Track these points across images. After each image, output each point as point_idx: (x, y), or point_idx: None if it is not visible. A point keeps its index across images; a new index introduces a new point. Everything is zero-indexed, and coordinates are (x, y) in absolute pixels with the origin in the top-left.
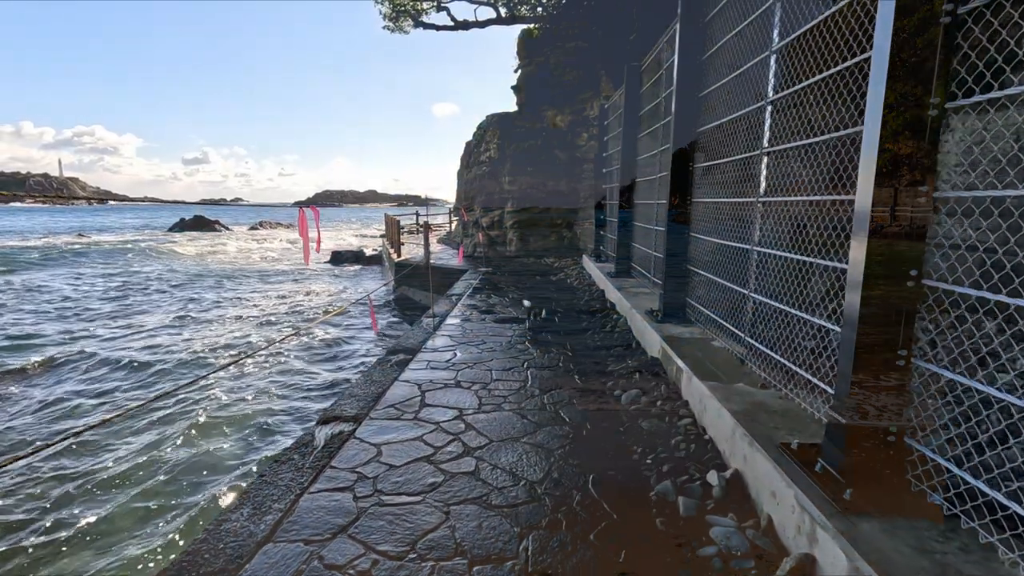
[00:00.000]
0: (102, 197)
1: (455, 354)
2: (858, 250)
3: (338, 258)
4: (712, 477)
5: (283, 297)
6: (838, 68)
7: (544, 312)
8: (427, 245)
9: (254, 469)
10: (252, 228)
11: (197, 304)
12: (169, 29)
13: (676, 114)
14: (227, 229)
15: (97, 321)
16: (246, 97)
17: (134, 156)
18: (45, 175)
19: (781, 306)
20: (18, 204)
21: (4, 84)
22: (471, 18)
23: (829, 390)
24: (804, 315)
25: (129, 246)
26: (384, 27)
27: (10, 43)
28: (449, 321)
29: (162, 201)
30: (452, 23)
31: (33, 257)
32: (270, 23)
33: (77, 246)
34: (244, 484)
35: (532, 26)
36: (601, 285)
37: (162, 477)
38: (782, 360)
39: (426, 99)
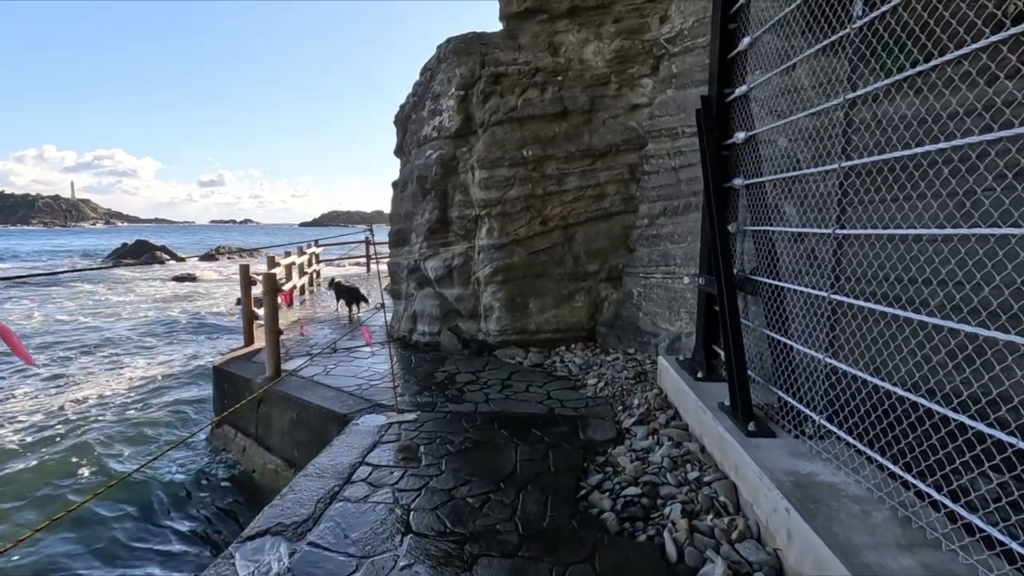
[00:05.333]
0: (109, 219)
1: None
2: None
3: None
4: None
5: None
6: None
7: None
8: (274, 334)
9: None
10: (206, 256)
11: None
12: (191, 57)
13: None
14: (171, 258)
15: None
16: (263, 120)
17: (152, 178)
18: (56, 197)
19: None
20: (22, 227)
21: (29, 109)
22: None
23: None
24: None
25: None
26: None
27: (35, 68)
28: None
29: (170, 222)
30: None
31: None
32: (288, 47)
33: None
34: None
35: None
36: None
37: None
38: None
39: None
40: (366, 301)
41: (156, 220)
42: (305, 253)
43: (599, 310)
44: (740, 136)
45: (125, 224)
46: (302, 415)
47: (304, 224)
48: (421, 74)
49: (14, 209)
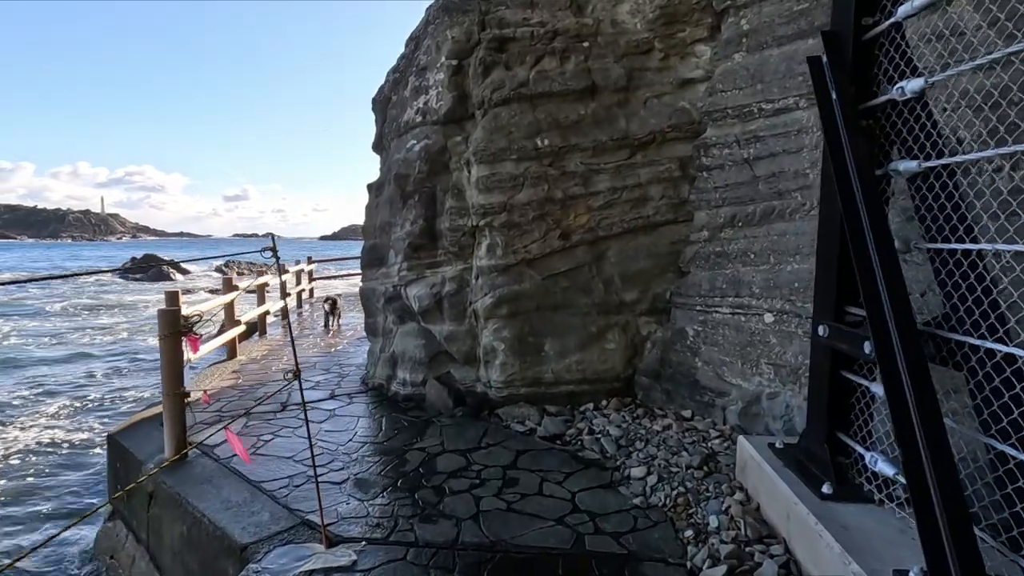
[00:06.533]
0: (136, 233)
1: None
2: None
3: None
4: None
5: None
6: None
7: None
8: (174, 397)
9: None
10: (215, 270)
11: None
12: (219, 71)
13: None
14: (181, 271)
15: None
16: (286, 135)
17: (179, 193)
18: (86, 211)
19: None
20: (51, 240)
21: (64, 126)
22: None
23: None
24: None
25: None
26: None
27: (73, 86)
28: None
29: (193, 236)
30: None
31: None
32: (306, 62)
33: None
34: None
35: None
36: None
37: None
38: None
39: None
40: (335, 307)
41: (181, 234)
42: (288, 271)
43: (638, 353)
44: (912, 86)
45: (153, 238)
46: (193, 532)
47: (324, 238)
48: (406, 45)
49: (45, 224)
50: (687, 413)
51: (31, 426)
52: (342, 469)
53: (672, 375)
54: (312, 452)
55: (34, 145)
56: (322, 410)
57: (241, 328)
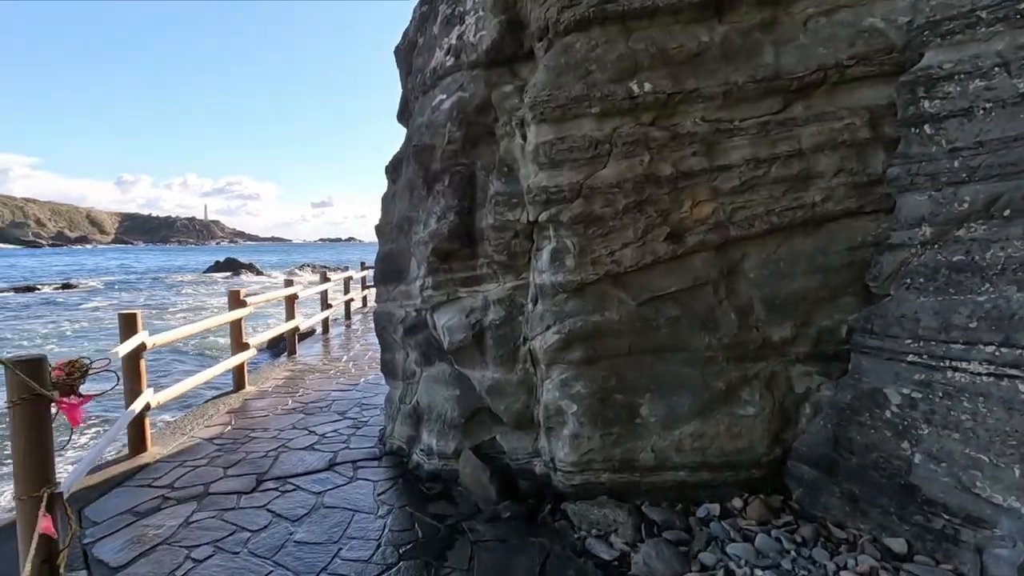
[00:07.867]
0: (234, 238)
1: None
2: None
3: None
4: None
5: None
6: None
7: None
8: (28, 500)
9: None
10: (289, 273)
11: None
12: (307, 93)
13: None
14: (258, 274)
15: None
16: (369, 144)
17: (272, 201)
18: (192, 219)
19: None
20: (162, 245)
21: (176, 142)
22: None
23: None
24: None
25: None
26: None
27: (188, 107)
28: None
29: (282, 240)
30: None
31: None
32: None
33: None
34: None
35: None
36: None
37: None
38: None
39: None
40: None
41: (272, 239)
42: (329, 279)
43: (791, 423)
44: None
45: (248, 243)
46: None
47: None
48: None
49: (157, 230)
50: (896, 544)
51: None
52: None
53: (859, 468)
54: None
55: (152, 158)
56: (307, 493)
57: (250, 353)
